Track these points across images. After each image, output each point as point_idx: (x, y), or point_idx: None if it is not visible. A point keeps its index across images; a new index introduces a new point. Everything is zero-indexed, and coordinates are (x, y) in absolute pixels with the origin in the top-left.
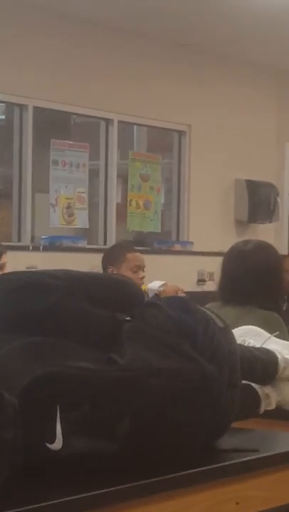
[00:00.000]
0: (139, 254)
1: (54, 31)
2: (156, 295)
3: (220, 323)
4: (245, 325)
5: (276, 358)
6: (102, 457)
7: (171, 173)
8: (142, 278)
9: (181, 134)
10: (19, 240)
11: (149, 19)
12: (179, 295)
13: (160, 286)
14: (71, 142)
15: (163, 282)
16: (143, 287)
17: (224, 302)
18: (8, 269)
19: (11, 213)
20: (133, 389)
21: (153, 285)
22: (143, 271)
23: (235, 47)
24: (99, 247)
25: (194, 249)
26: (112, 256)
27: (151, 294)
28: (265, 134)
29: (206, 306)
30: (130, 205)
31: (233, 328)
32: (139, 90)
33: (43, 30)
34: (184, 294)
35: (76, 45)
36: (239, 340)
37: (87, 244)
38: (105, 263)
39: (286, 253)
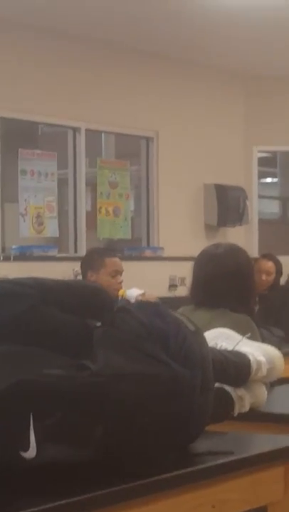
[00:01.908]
0: (117, 259)
1: (18, 41)
2: (127, 300)
3: (191, 327)
4: (218, 328)
5: (248, 360)
6: (76, 464)
7: (139, 180)
8: (120, 283)
9: (148, 140)
10: None
11: (114, 27)
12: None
13: (138, 295)
14: (39, 151)
15: (142, 291)
16: (121, 292)
17: (196, 306)
18: None
19: None
20: (105, 394)
21: (132, 292)
22: (121, 275)
23: (201, 53)
24: (70, 255)
25: (165, 254)
26: (91, 261)
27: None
28: (232, 138)
29: (179, 310)
30: (100, 212)
31: (206, 332)
32: (105, 98)
33: (8, 41)
34: None
35: (41, 54)
36: (211, 343)
37: (58, 252)
38: (84, 269)
39: (257, 256)
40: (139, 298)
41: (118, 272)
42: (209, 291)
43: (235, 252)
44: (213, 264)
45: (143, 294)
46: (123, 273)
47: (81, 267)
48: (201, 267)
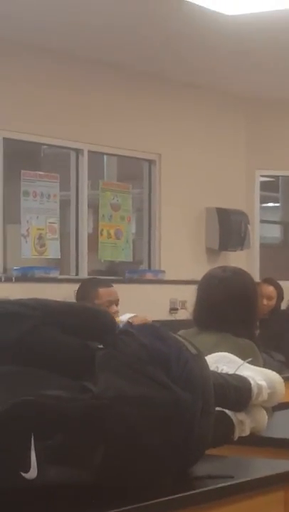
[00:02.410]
0: (111, 289)
1: (22, 63)
2: (129, 323)
3: (193, 350)
4: (219, 352)
5: (249, 384)
6: (76, 485)
7: (141, 202)
8: (116, 312)
9: (151, 163)
10: None
11: (117, 49)
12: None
13: (129, 318)
14: (42, 173)
15: (133, 314)
16: (117, 321)
17: (200, 329)
18: None
19: None
20: (106, 417)
21: (123, 317)
22: (116, 305)
23: (203, 76)
24: (71, 277)
25: (166, 277)
26: (85, 292)
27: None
28: (235, 162)
29: (179, 332)
30: (101, 234)
31: (207, 355)
32: (108, 120)
33: (11, 62)
34: None
35: (45, 76)
36: (212, 367)
37: (60, 274)
38: (79, 298)
39: (258, 280)
40: (130, 321)
41: (112, 302)
42: (215, 314)
43: (242, 276)
44: (222, 287)
45: (134, 317)
46: (121, 297)
47: (76, 297)
48: (207, 290)
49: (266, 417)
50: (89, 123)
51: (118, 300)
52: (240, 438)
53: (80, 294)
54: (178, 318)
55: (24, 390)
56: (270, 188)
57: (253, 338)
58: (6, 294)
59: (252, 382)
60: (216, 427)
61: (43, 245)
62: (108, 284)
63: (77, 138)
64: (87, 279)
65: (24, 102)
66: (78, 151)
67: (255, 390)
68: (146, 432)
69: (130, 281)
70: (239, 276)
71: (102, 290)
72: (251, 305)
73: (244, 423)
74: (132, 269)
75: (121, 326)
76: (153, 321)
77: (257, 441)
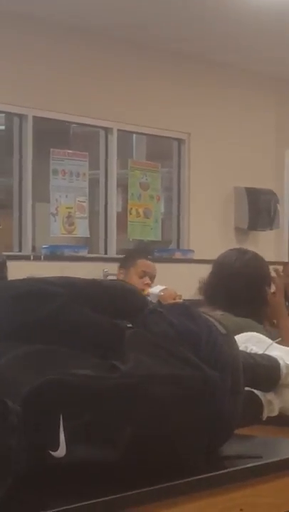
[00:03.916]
0: (150, 263)
1: (52, 41)
2: (159, 302)
3: (222, 330)
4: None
5: (278, 364)
6: (104, 464)
7: (170, 182)
8: (147, 284)
9: (180, 142)
10: (20, 250)
11: (147, 28)
12: (177, 301)
13: (160, 291)
14: (71, 151)
15: (164, 287)
16: (145, 291)
17: (207, 303)
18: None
19: (12, 223)
20: (135, 396)
21: (154, 289)
22: (151, 279)
23: (233, 55)
24: (100, 255)
25: (195, 257)
26: (125, 259)
27: (152, 298)
28: (264, 142)
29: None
30: (130, 213)
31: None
32: (138, 99)
33: (42, 40)
34: (181, 300)
35: (75, 54)
36: (241, 347)
37: (88, 253)
38: (119, 265)
39: (287, 260)
40: (161, 294)
41: (146, 274)
42: (221, 289)
43: (260, 259)
44: (240, 265)
45: (165, 289)
46: (155, 277)
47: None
48: (224, 267)
49: None
50: (118, 102)
51: (154, 277)
52: (269, 418)
53: (120, 263)
54: None
55: (53, 369)
56: None
57: (258, 317)
58: (34, 272)
59: (281, 362)
60: (244, 407)
61: (71, 224)
62: (147, 256)
63: (106, 116)
64: (133, 248)
65: (53, 81)
66: (107, 130)
67: (284, 370)
68: (176, 411)
69: (159, 260)
70: (257, 258)
71: (140, 261)
72: (257, 283)
73: (273, 403)
74: (161, 248)
75: (151, 297)
76: (183, 300)
77: (285, 422)
